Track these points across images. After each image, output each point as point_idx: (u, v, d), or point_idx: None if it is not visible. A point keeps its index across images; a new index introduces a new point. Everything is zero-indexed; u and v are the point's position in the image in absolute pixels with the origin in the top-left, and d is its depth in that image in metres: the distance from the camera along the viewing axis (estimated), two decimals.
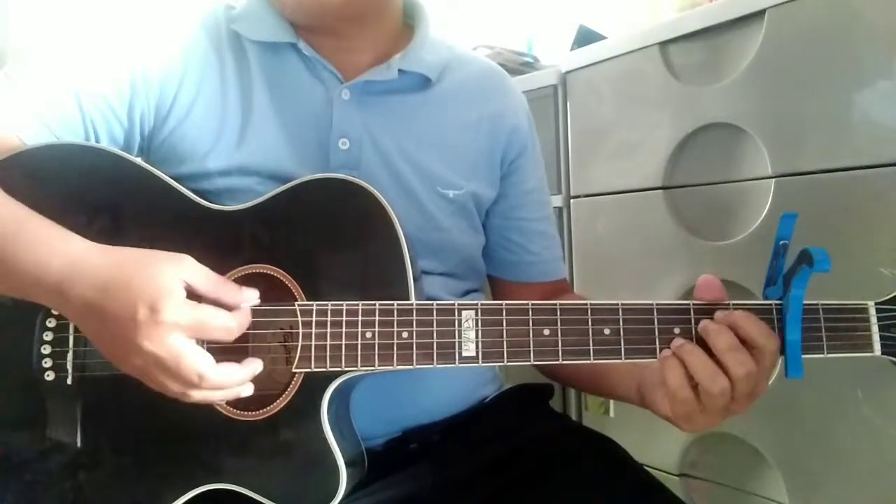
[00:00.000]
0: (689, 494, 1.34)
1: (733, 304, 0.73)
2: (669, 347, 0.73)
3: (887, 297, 0.73)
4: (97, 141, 0.85)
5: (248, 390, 0.72)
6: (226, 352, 0.75)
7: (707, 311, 0.73)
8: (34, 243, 0.71)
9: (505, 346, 0.73)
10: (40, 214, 0.74)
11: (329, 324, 0.74)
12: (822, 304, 0.73)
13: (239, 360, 0.72)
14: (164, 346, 0.65)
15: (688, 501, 0.82)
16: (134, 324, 0.65)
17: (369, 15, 0.92)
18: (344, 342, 0.74)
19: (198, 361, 0.66)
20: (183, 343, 0.66)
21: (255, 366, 0.72)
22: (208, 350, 0.69)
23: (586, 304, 0.74)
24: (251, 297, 0.73)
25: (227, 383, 0.70)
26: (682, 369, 0.71)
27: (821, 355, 0.72)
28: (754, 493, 1.25)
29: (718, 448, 1.30)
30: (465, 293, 0.99)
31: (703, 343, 0.72)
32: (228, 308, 0.70)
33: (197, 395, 0.69)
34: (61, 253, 0.70)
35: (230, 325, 0.69)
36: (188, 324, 0.66)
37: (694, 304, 0.74)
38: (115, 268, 0.68)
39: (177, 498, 0.74)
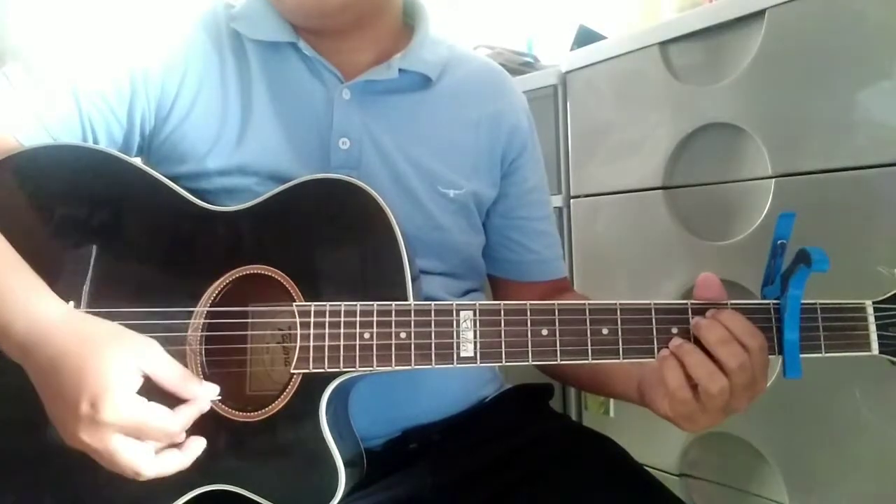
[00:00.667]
0: (689, 494, 1.34)
1: (731, 304, 0.73)
2: (668, 347, 0.73)
3: (885, 297, 0.73)
4: (95, 141, 0.85)
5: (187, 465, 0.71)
6: (222, 353, 0.76)
7: (704, 310, 0.73)
8: (3, 297, 0.68)
9: (503, 347, 0.73)
10: (35, 220, 0.73)
11: (327, 324, 0.74)
12: (820, 304, 0.73)
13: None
14: (101, 443, 0.63)
15: (688, 501, 0.82)
16: (75, 414, 0.63)
17: (369, 15, 0.92)
18: (342, 343, 0.73)
19: (133, 461, 0.65)
20: (119, 442, 0.64)
21: (197, 449, 0.70)
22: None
23: (584, 305, 0.74)
24: (210, 393, 0.71)
25: (167, 472, 0.68)
26: (680, 369, 0.72)
27: (819, 354, 0.72)
28: (754, 493, 1.25)
29: (718, 448, 1.30)
30: (466, 293, 0.99)
31: (700, 343, 0.72)
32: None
33: (138, 479, 0.67)
34: (26, 315, 0.67)
35: (171, 430, 0.67)
36: (126, 424, 0.64)
37: (692, 304, 0.74)
38: (74, 346, 0.66)
39: (175, 499, 0.74)
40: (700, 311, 0.73)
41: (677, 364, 0.72)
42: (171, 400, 0.68)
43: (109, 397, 0.63)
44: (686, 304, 0.74)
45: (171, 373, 0.68)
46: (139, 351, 0.67)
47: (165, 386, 0.68)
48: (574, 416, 1.58)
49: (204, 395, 0.70)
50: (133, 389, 0.65)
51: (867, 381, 1.06)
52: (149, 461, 0.66)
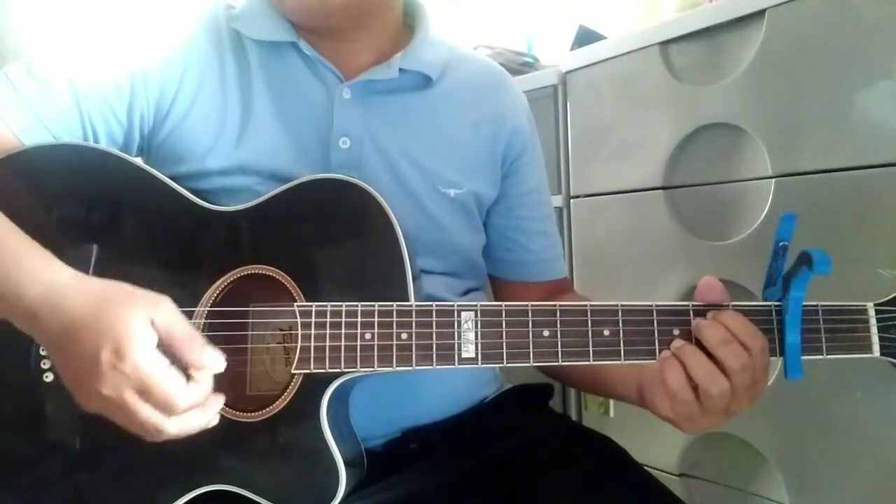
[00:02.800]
0: (689, 494, 1.34)
1: (733, 305, 0.73)
2: (669, 349, 0.73)
3: (886, 299, 0.73)
4: (96, 141, 0.84)
5: (214, 421, 0.70)
6: (226, 354, 0.75)
7: (706, 312, 0.73)
8: (12, 268, 0.69)
9: (504, 348, 0.73)
10: (36, 219, 0.73)
11: (328, 325, 0.74)
12: (822, 306, 0.73)
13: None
14: (122, 395, 0.63)
15: (688, 501, 0.82)
16: (96, 366, 0.63)
17: (370, 15, 0.92)
18: (343, 343, 0.73)
19: (153, 415, 0.64)
20: (132, 396, 0.64)
21: (216, 404, 0.70)
22: None
23: (586, 306, 0.74)
24: (216, 361, 0.69)
25: (189, 430, 0.68)
26: (682, 370, 0.72)
27: (820, 356, 0.72)
28: (754, 493, 1.25)
29: (718, 448, 1.30)
30: (466, 292, 0.99)
31: (701, 345, 0.72)
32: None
33: (156, 439, 0.67)
34: (38, 282, 0.68)
35: (174, 403, 0.65)
36: (137, 379, 0.63)
37: (693, 306, 0.74)
38: (89, 301, 0.66)
39: (176, 499, 0.74)
40: (701, 312, 0.73)
41: (678, 365, 0.72)
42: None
43: (132, 344, 0.63)
44: (687, 305, 0.74)
45: (177, 330, 0.67)
46: (154, 305, 0.67)
47: (170, 343, 0.66)
48: (574, 416, 1.58)
49: (206, 361, 0.68)
50: (152, 342, 0.65)
51: (868, 382, 1.06)
52: (173, 418, 0.65)
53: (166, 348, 0.66)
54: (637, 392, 0.82)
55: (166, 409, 0.65)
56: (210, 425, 0.69)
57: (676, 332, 0.73)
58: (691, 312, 0.73)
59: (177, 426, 0.66)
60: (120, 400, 0.63)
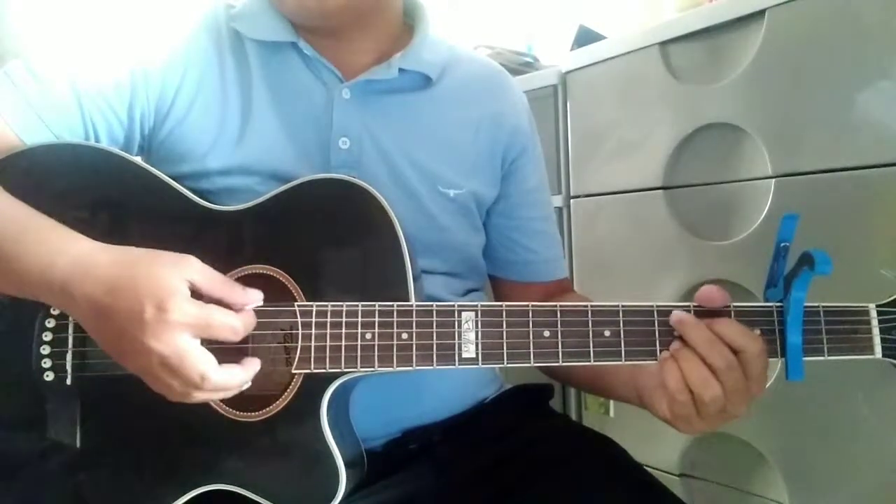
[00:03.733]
0: (689, 494, 1.34)
1: (735, 307, 0.73)
2: (668, 350, 0.73)
3: (888, 300, 0.73)
4: (97, 140, 0.84)
5: (246, 387, 0.72)
6: (225, 352, 0.75)
7: (707, 312, 0.73)
8: (39, 242, 0.71)
9: (505, 348, 0.73)
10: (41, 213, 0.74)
11: (329, 325, 0.74)
12: (823, 307, 0.72)
13: (238, 361, 0.72)
14: (171, 346, 0.65)
15: (688, 501, 0.82)
16: (141, 322, 0.65)
17: (370, 15, 0.92)
18: (344, 343, 0.73)
19: (201, 362, 0.66)
20: (188, 342, 0.66)
21: (254, 366, 0.72)
22: (208, 350, 0.68)
23: (586, 306, 0.74)
24: (256, 297, 0.73)
25: (229, 385, 0.70)
26: (680, 372, 0.71)
27: (821, 357, 0.72)
28: (754, 493, 1.25)
29: (718, 448, 1.30)
30: (466, 293, 0.99)
31: None
32: (232, 308, 0.70)
33: (198, 396, 0.69)
34: (67, 252, 0.70)
35: (236, 326, 0.69)
36: (195, 322, 0.66)
37: (694, 307, 0.73)
38: (121, 267, 0.68)
39: (176, 499, 0.74)
40: (703, 313, 0.73)
41: (677, 366, 0.72)
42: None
43: (174, 297, 0.66)
44: (689, 306, 0.73)
45: (215, 280, 0.70)
46: (183, 263, 0.69)
47: (212, 293, 0.69)
48: (574, 416, 1.58)
49: (250, 298, 0.72)
50: (189, 294, 0.67)
51: (869, 383, 1.06)
52: (215, 366, 0.68)
53: (209, 297, 0.69)
54: (637, 392, 0.82)
55: (232, 333, 0.69)
56: (245, 387, 0.72)
57: (676, 333, 0.73)
58: (692, 313, 0.73)
59: (221, 376, 0.68)
60: (174, 349, 0.65)
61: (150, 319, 0.65)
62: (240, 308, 0.71)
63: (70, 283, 0.68)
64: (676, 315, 0.73)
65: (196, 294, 0.68)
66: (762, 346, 0.71)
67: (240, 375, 0.71)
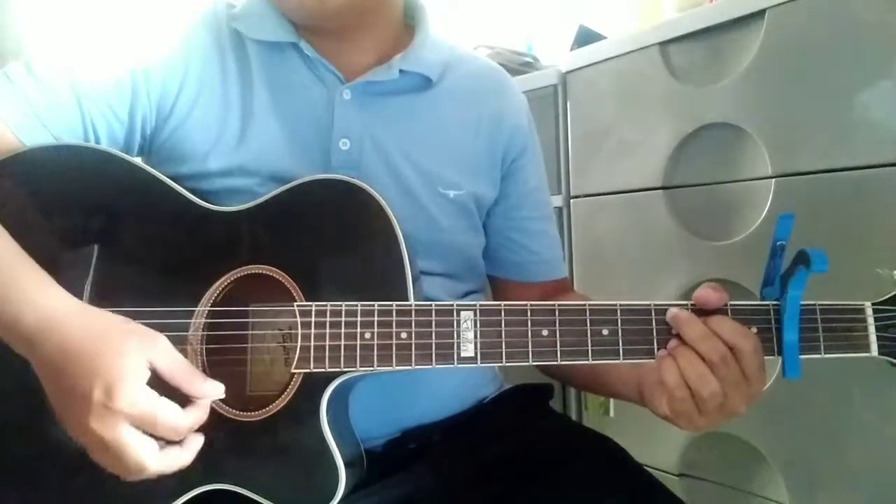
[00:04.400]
0: (689, 494, 1.34)
1: (731, 305, 0.73)
2: (666, 348, 0.73)
3: (884, 298, 0.73)
4: (97, 141, 0.84)
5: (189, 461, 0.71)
6: (223, 353, 0.76)
7: (703, 311, 0.73)
8: (11, 290, 0.69)
9: (503, 347, 0.74)
10: (37, 220, 0.73)
11: (328, 324, 0.74)
12: (820, 305, 0.73)
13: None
14: (110, 433, 0.64)
15: (688, 501, 0.82)
16: (87, 402, 0.63)
17: (370, 15, 0.92)
18: (343, 343, 0.74)
19: (139, 453, 0.65)
20: (128, 433, 0.64)
21: (197, 444, 0.71)
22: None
23: (584, 305, 0.74)
24: (215, 391, 0.71)
25: (171, 469, 0.68)
26: (678, 369, 0.72)
27: (818, 356, 0.72)
28: (754, 493, 1.25)
29: (718, 448, 1.30)
30: (465, 294, 0.99)
31: None
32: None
33: (135, 478, 0.67)
34: (35, 307, 0.68)
35: (179, 427, 0.67)
36: (138, 415, 0.64)
37: (691, 305, 0.74)
38: (84, 334, 0.66)
39: (176, 499, 0.74)
40: (700, 312, 0.73)
41: (675, 363, 0.72)
42: (176, 399, 0.68)
43: (123, 385, 0.63)
44: (686, 304, 0.74)
45: (178, 367, 0.68)
46: (149, 343, 0.68)
47: (172, 380, 0.68)
48: (574, 416, 1.58)
49: (208, 392, 0.70)
50: (144, 380, 0.65)
51: (866, 381, 1.06)
52: (155, 455, 0.66)
53: (167, 384, 0.67)
54: (636, 390, 0.82)
55: (174, 434, 0.67)
56: (185, 465, 0.70)
57: (674, 331, 0.73)
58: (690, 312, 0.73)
59: (160, 465, 0.67)
60: (113, 438, 0.64)
61: (96, 402, 0.63)
62: (200, 398, 0.69)
63: (34, 339, 0.67)
64: (672, 312, 0.73)
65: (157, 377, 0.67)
66: (756, 343, 0.71)
67: (180, 458, 0.69)
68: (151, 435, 0.66)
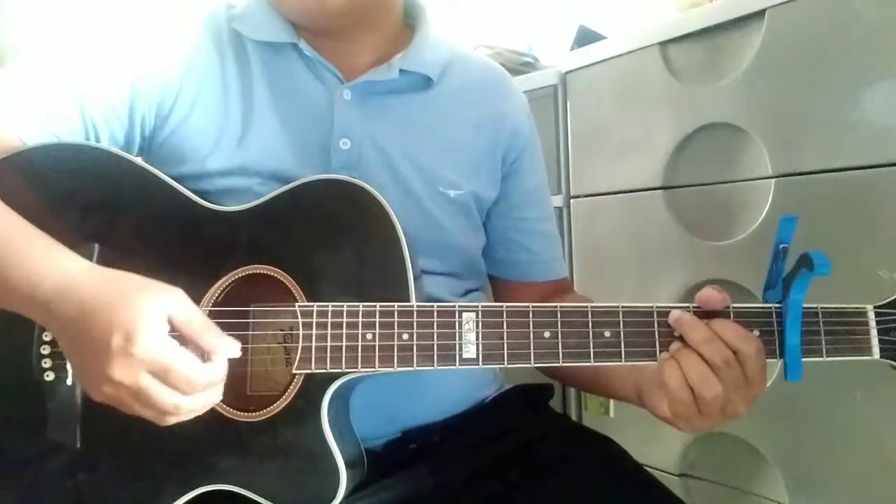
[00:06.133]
0: (689, 494, 1.34)
1: (734, 308, 0.73)
2: (668, 350, 0.73)
3: (886, 301, 0.73)
4: (97, 140, 0.84)
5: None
6: None
7: (706, 313, 0.73)
8: (26, 259, 0.70)
9: (505, 349, 0.74)
10: (38, 218, 0.73)
11: (329, 325, 0.74)
12: (822, 308, 0.73)
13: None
14: (132, 379, 0.64)
15: (688, 501, 0.82)
16: (108, 351, 0.63)
17: (370, 16, 0.92)
18: (344, 343, 0.73)
19: (168, 396, 0.65)
20: (148, 381, 0.64)
21: (220, 388, 0.70)
22: None
23: (586, 307, 0.74)
24: (232, 348, 0.70)
25: (205, 407, 0.69)
26: (680, 371, 0.72)
27: (820, 358, 0.72)
28: (754, 493, 1.25)
29: (718, 448, 1.30)
30: (466, 293, 0.99)
31: None
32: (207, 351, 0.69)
33: (172, 420, 0.68)
34: (54, 272, 0.69)
35: (194, 380, 0.66)
36: (153, 363, 0.64)
37: (693, 308, 0.74)
38: (103, 290, 0.67)
39: (176, 499, 0.74)
40: (702, 314, 0.73)
41: (677, 366, 0.72)
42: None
43: (143, 330, 0.64)
44: (688, 306, 0.74)
45: (195, 321, 0.68)
46: (167, 297, 0.68)
47: (189, 333, 0.68)
48: (574, 416, 1.59)
49: (225, 348, 0.70)
50: (163, 330, 0.65)
51: (867, 383, 1.06)
52: (177, 398, 0.66)
53: (184, 337, 0.67)
54: (637, 392, 0.82)
55: (188, 386, 0.66)
56: (216, 402, 0.70)
57: (677, 333, 0.73)
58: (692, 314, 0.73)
59: (195, 403, 0.67)
60: (134, 384, 0.64)
61: (115, 349, 0.63)
62: (216, 354, 0.69)
63: (51, 305, 0.67)
64: (675, 314, 0.73)
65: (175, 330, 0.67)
66: (759, 347, 0.71)
67: (214, 396, 0.69)
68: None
